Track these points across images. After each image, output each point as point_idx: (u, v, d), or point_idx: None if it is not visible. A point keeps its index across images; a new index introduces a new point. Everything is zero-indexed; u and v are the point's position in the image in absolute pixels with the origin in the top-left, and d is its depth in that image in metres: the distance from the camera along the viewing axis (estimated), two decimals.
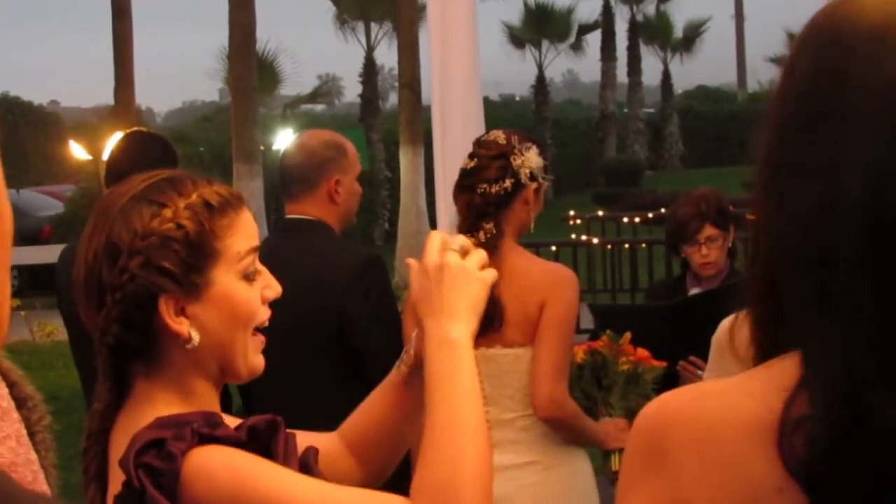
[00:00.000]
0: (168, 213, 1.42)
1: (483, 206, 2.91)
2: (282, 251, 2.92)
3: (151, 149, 3.42)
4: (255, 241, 1.49)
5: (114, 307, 1.40)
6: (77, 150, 17.06)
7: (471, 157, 3.00)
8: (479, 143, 3.03)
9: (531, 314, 2.93)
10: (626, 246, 11.91)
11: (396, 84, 20.23)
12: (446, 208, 3.45)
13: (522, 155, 2.95)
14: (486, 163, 2.95)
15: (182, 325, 1.42)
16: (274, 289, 1.51)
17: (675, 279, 4.07)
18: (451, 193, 3.07)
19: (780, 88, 0.97)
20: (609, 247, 11.93)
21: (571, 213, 14.50)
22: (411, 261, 1.56)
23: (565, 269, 3.10)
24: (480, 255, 1.53)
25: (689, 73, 37.92)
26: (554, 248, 10.73)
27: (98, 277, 1.42)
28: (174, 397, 1.44)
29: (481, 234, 2.89)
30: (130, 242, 1.40)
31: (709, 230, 3.66)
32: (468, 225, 2.92)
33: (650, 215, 14.05)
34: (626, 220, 14.53)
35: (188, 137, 21.57)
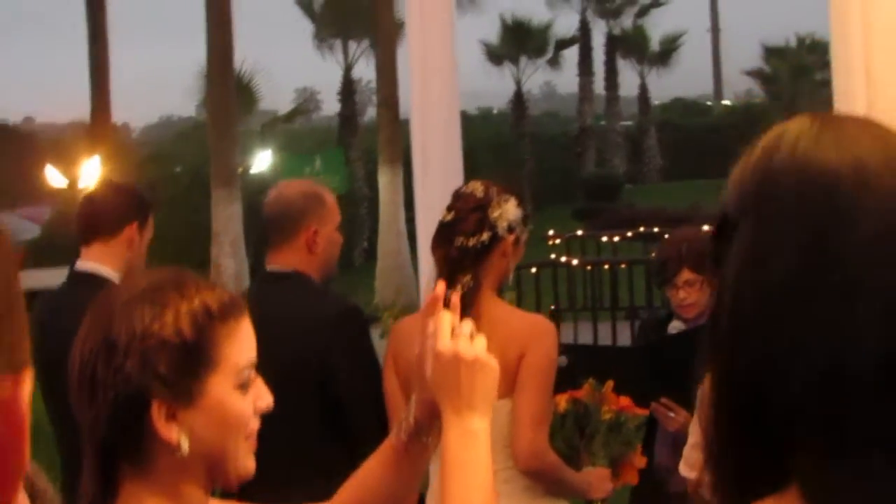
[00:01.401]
0: (169, 316, 1.40)
1: (460, 259, 2.89)
2: (261, 305, 2.91)
3: (122, 202, 3.38)
4: (254, 354, 1.47)
5: (105, 406, 1.38)
6: (53, 176, 16.88)
7: (448, 209, 2.99)
8: (457, 196, 3.01)
9: (510, 365, 2.91)
10: (606, 266, 11.93)
11: (374, 97, 20.23)
12: (426, 228, 3.43)
13: (500, 207, 2.94)
14: (464, 215, 2.94)
15: (172, 433, 1.39)
16: (265, 400, 1.48)
17: (662, 318, 4.04)
18: (430, 213, 3.06)
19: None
20: (589, 267, 11.95)
21: (551, 232, 14.50)
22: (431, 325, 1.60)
23: (544, 320, 3.09)
24: (482, 340, 1.59)
25: (666, 86, 38.09)
26: (534, 269, 10.71)
27: (92, 373, 1.39)
28: (164, 502, 1.42)
29: (459, 288, 2.87)
30: (128, 342, 1.38)
31: (686, 274, 3.62)
32: (445, 278, 2.90)
33: (629, 234, 14.14)
34: (605, 239, 14.59)
35: (165, 157, 21.49)
